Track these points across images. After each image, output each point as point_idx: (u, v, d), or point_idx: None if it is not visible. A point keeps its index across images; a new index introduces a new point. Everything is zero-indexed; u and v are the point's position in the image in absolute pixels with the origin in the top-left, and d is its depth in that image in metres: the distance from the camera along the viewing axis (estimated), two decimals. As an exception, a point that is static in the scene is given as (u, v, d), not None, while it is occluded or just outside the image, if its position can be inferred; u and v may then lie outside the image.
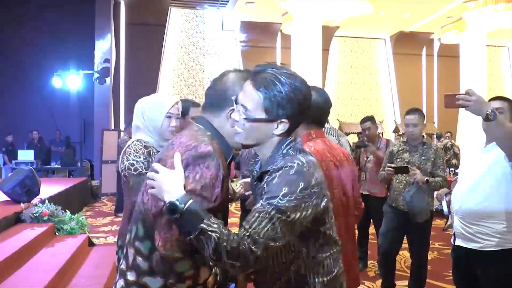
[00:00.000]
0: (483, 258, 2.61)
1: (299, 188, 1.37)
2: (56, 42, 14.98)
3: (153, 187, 1.39)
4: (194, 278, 1.40)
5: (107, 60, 14.61)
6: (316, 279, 1.50)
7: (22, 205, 5.36)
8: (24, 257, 4.12)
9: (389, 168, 3.86)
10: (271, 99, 1.44)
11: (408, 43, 17.36)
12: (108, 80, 14.57)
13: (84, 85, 14.10)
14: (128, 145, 2.38)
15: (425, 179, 3.75)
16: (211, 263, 1.39)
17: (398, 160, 4.01)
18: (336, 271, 1.55)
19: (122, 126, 14.69)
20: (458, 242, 2.78)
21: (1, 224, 4.66)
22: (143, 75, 14.67)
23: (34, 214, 5.16)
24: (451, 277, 5.04)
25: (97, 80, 13.78)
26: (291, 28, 13.88)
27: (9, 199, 5.65)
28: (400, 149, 4.06)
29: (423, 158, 3.91)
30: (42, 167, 12.68)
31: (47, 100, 14.96)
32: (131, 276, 1.49)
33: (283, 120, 1.44)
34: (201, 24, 16.48)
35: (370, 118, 5.23)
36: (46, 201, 5.63)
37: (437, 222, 8.15)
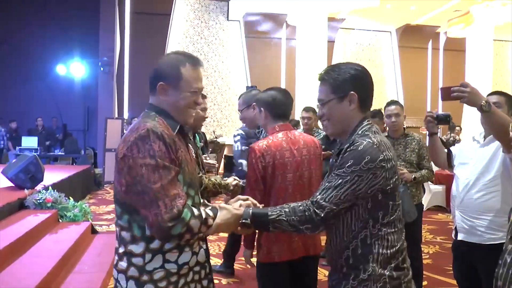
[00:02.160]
0: (484, 252, 2.62)
1: (364, 161, 1.64)
2: (61, 30, 14.95)
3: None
4: (189, 232, 1.60)
5: (111, 49, 14.59)
6: (380, 250, 1.68)
7: (26, 191, 5.40)
8: (28, 243, 4.15)
9: None
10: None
11: (414, 37, 17.24)
12: (112, 69, 14.57)
13: (88, 73, 14.11)
14: None
15: (413, 176, 3.72)
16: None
17: None
18: (399, 246, 1.73)
19: (126, 114, 14.71)
20: (460, 237, 2.80)
21: (5, 210, 4.69)
22: (147, 64, 14.55)
23: (38, 201, 5.19)
24: (452, 271, 5.06)
25: (102, 68, 13.78)
26: (296, 19, 13.81)
27: (13, 185, 5.68)
28: None
29: (407, 150, 3.87)
30: (46, 154, 12.72)
31: (51, 88, 14.96)
32: (121, 249, 1.69)
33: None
34: (206, 14, 16.40)
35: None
36: (50, 187, 5.66)
37: (439, 216, 8.17)
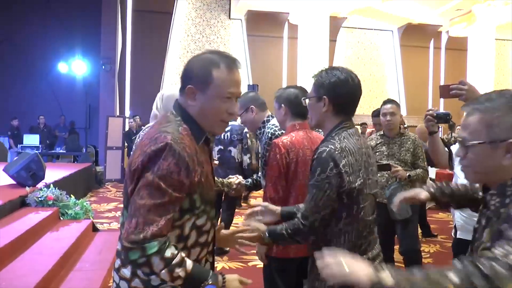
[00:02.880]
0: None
1: (329, 167, 1.74)
2: (63, 29, 14.97)
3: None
4: (147, 266, 1.43)
5: (113, 47, 14.59)
6: (336, 245, 1.76)
7: (27, 189, 5.40)
8: (29, 241, 4.16)
9: None
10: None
11: (415, 36, 17.22)
12: (114, 67, 14.57)
13: (90, 71, 14.12)
14: (143, 130, 2.52)
15: (407, 174, 3.72)
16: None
17: (377, 153, 3.93)
18: (356, 241, 1.81)
19: (127, 113, 14.72)
20: (459, 235, 2.93)
21: (6, 208, 4.70)
22: (149, 62, 14.66)
23: (39, 198, 5.20)
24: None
25: (104, 66, 13.80)
26: (298, 18, 13.81)
27: (14, 182, 5.69)
28: (378, 142, 4.00)
29: (402, 149, 3.87)
30: (47, 151, 12.74)
31: (53, 85, 14.98)
32: (125, 255, 1.57)
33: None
34: (208, 12, 16.39)
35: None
36: (51, 185, 5.67)
37: (440, 216, 8.16)
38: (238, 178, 2.69)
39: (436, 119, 2.99)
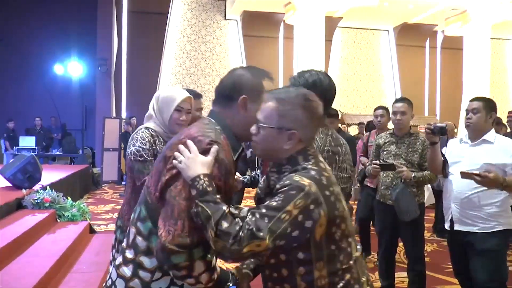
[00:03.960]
0: (479, 239, 3.01)
1: None
2: (59, 30, 14.93)
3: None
4: (189, 269, 1.41)
5: (109, 48, 14.57)
6: None
7: (23, 191, 5.38)
8: (26, 243, 4.15)
9: (375, 166, 3.72)
10: None
11: (411, 35, 17.28)
12: (110, 68, 14.55)
13: (86, 72, 14.08)
14: (136, 131, 2.50)
15: (413, 175, 3.63)
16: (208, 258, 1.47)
17: (384, 152, 3.87)
18: None
19: (124, 114, 14.70)
20: (457, 227, 3.12)
21: (3, 210, 4.68)
22: (145, 63, 14.66)
23: (36, 201, 5.18)
24: (451, 269, 5.05)
25: (100, 68, 13.77)
26: (294, 18, 13.82)
27: (10, 185, 5.67)
28: (386, 141, 3.92)
29: (410, 149, 3.76)
30: (44, 153, 12.70)
31: (49, 87, 14.94)
32: (129, 254, 1.55)
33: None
34: (203, 13, 16.40)
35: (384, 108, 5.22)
36: (48, 187, 5.64)
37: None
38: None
39: (432, 132, 3.16)
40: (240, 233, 1.33)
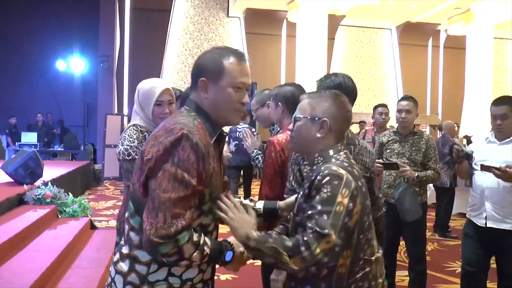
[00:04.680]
0: (502, 235, 3.06)
1: None
2: (61, 26, 14.94)
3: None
4: (179, 254, 1.44)
5: (111, 45, 14.57)
6: None
7: (25, 186, 5.39)
8: (27, 239, 4.15)
9: (378, 165, 3.61)
10: None
11: (414, 34, 17.24)
12: (112, 65, 14.55)
13: (88, 69, 14.10)
14: (125, 130, 2.42)
15: (416, 175, 3.60)
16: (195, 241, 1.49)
17: (388, 151, 3.84)
18: None
19: (125, 110, 14.71)
20: (490, 224, 3.12)
21: (4, 205, 4.68)
22: (147, 60, 14.65)
23: (37, 196, 5.18)
24: (451, 268, 5.05)
25: (102, 64, 13.78)
26: (297, 16, 13.81)
27: (12, 180, 5.67)
28: (390, 139, 3.89)
29: (413, 148, 3.73)
30: (45, 149, 12.72)
31: (51, 83, 14.96)
32: (125, 250, 1.57)
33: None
34: (206, 10, 16.38)
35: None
36: (49, 183, 5.65)
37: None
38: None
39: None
40: (305, 238, 1.43)
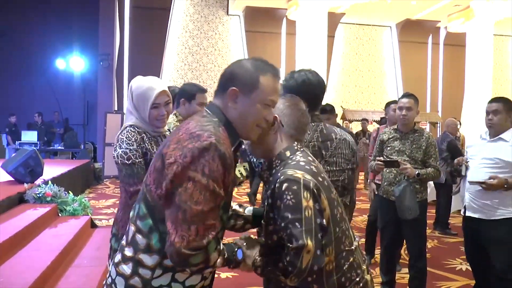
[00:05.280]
0: (489, 226, 3.28)
1: None
2: (61, 25, 14.93)
3: None
4: (206, 263, 1.44)
5: (111, 43, 14.56)
6: None
7: (25, 185, 5.40)
8: (27, 237, 4.16)
9: (379, 162, 3.69)
10: None
11: (414, 31, 17.22)
12: (112, 63, 14.54)
13: (88, 67, 14.09)
14: (121, 131, 2.29)
15: (416, 172, 3.59)
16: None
17: (388, 148, 3.83)
18: None
19: (125, 109, 14.69)
20: (468, 213, 3.41)
21: (5, 204, 4.69)
22: (147, 59, 14.64)
23: (37, 195, 5.19)
24: (451, 266, 5.06)
25: (102, 63, 13.77)
26: (296, 14, 13.79)
27: (12, 179, 5.68)
28: (390, 137, 3.88)
29: (414, 146, 3.72)
30: (45, 148, 12.72)
31: (51, 82, 14.96)
32: (128, 252, 1.53)
33: None
34: (206, 9, 16.37)
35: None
36: (49, 182, 5.66)
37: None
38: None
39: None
40: (288, 259, 1.47)
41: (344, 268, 1.60)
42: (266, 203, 1.62)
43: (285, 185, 1.51)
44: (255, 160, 3.29)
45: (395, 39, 17.87)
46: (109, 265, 2.18)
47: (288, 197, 1.49)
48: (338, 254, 1.59)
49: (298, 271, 1.46)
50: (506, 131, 3.31)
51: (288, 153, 1.65)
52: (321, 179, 1.58)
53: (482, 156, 3.34)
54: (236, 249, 1.58)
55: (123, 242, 1.58)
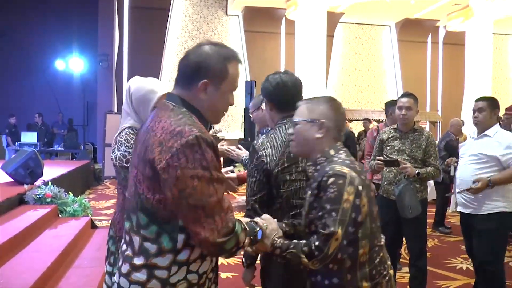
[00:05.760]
0: (478, 220, 3.45)
1: (253, 160, 2.15)
2: (60, 25, 14.94)
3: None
4: (238, 244, 1.51)
5: (110, 44, 14.56)
6: None
7: (25, 186, 5.39)
8: (27, 238, 4.16)
9: (379, 162, 3.67)
10: None
11: (413, 30, 17.22)
12: (111, 64, 14.54)
13: (87, 68, 14.09)
14: (119, 133, 2.26)
15: (416, 171, 3.58)
16: None
17: (388, 147, 3.83)
18: None
19: (125, 109, 14.70)
20: (460, 209, 3.60)
21: (5, 205, 4.69)
22: (146, 59, 14.64)
23: (37, 196, 5.19)
24: (452, 265, 5.06)
25: (101, 63, 13.77)
26: (295, 14, 13.79)
27: (12, 180, 5.68)
28: (390, 136, 3.88)
29: (414, 145, 3.72)
30: (45, 149, 12.72)
31: (50, 83, 14.96)
32: (138, 261, 1.52)
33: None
34: (205, 9, 16.37)
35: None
36: (49, 183, 5.65)
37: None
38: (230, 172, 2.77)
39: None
40: (317, 243, 1.60)
41: (376, 261, 1.72)
42: (309, 193, 1.75)
43: (332, 179, 1.64)
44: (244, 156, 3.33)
45: (394, 39, 17.87)
46: (106, 267, 2.16)
47: (332, 190, 1.62)
48: (371, 248, 1.70)
49: (324, 256, 1.59)
50: (490, 127, 3.49)
51: (332, 152, 1.78)
52: (363, 178, 1.70)
53: (469, 154, 3.53)
54: (257, 229, 1.67)
55: (129, 252, 1.56)
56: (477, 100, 3.61)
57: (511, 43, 18.99)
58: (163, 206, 1.46)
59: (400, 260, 4.90)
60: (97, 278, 3.69)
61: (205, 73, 1.54)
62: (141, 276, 1.51)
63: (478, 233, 3.46)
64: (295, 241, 1.69)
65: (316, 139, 1.79)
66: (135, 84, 2.32)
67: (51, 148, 13.10)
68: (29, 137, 12.49)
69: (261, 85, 2.33)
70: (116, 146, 2.23)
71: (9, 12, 15.10)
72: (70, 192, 5.74)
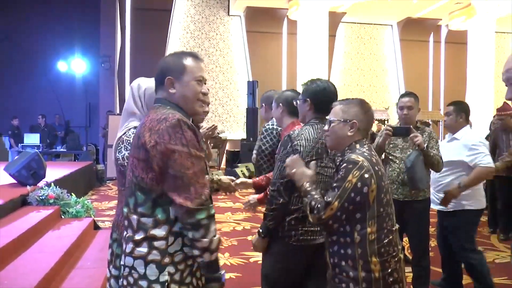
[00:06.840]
0: (444, 217, 3.85)
1: (288, 146, 2.51)
2: (62, 27, 14.95)
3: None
4: (209, 220, 1.74)
5: (112, 45, 14.58)
6: None
7: (28, 187, 5.40)
8: (30, 240, 4.16)
9: (388, 129, 3.63)
10: None
11: (415, 30, 17.19)
12: (113, 65, 14.56)
13: (89, 69, 14.10)
14: (125, 133, 2.25)
15: (426, 145, 3.59)
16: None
17: (391, 145, 3.84)
18: None
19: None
20: (432, 206, 3.86)
21: (8, 207, 4.70)
22: (148, 60, 14.60)
23: (40, 197, 5.19)
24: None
25: (103, 64, 13.79)
26: (297, 14, 13.78)
27: (15, 181, 5.69)
28: None
29: None
30: (48, 150, 12.74)
31: (52, 84, 14.97)
32: (139, 236, 1.76)
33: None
34: (206, 9, 16.37)
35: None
36: (52, 184, 5.66)
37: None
38: (230, 179, 2.92)
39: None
40: (319, 205, 2.00)
41: (384, 242, 2.01)
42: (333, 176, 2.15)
43: (344, 164, 2.01)
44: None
45: (396, 38, 17.84)
46: (111, 271, 2.15)
47: (341, 172, 2.00)
48: (379, 229, 2.00)
49: (319, 217, 1.99)
50: (458, 131, 3.79)
51: (357, 146, 2.11)
52: (377, 169, 2.02)
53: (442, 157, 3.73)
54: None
55: (129, 233, 1.78)
56: (447, 105, 3.96)
57: (513, 42, 18.94)
58: (156, 182, 1.73)
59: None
60: (100, 278, 3.70)
61: (166, 72, 1.87)
62: (142, 249, 1.74)
63: (451, 229, 3.81)
64: (313, 192, 2.08)
65: (347, 137, 2.12)
66: (147, 83, 2.33)
67: (53, 150, 13.12)
68: (32, 138, 12.52)
69: (306, 85, 2.66)
70: (122, 145, 2.22)
71: (11, 15, 15.13)
72: (72, 193, 5.75)
